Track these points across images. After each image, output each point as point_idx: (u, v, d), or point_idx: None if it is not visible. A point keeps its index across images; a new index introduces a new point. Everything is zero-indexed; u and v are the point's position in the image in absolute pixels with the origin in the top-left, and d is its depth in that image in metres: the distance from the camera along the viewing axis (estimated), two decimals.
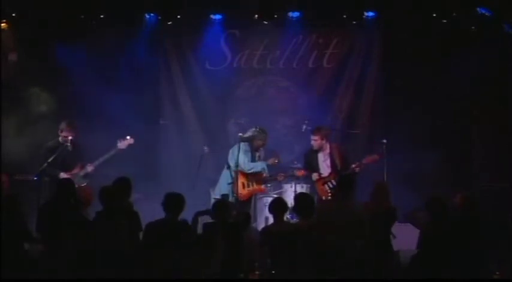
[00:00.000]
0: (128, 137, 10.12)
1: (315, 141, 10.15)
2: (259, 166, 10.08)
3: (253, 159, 10.10)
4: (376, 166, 10.22)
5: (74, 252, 7.24)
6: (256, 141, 10.06)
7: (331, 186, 9.95)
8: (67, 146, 9.91)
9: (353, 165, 9.97)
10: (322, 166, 10.20)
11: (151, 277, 7.04)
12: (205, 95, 12.07)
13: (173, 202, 7.31)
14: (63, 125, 9.99)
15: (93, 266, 7.13)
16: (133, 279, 7.09)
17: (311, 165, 10.24)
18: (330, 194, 9.86)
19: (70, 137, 9.94)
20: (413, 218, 8.19)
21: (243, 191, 9.89)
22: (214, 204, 7.76)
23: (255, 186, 10.01)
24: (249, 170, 10.00)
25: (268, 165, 10.17)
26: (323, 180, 10.08)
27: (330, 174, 10.09)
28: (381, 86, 11.76)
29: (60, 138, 9.94)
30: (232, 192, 9.77)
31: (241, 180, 9.92)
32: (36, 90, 11.21)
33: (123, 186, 7.81)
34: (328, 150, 10.24)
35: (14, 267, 7.25)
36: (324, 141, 10.19)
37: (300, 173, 10.32)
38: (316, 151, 10.25)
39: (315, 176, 10.12)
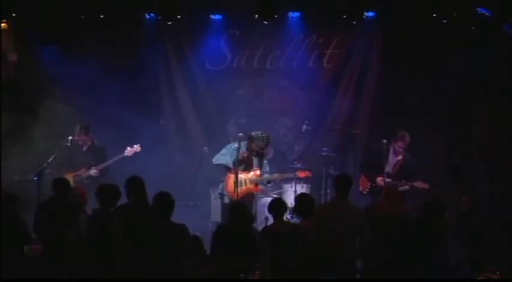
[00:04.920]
0: (136, 146, 10.23)
1: (399, 147, 10.15)
2: (223, 159, 10.02)
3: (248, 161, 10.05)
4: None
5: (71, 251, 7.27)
6: (253, 144, 10.00)
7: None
8: (80, 147, 10.38)
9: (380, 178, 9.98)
10: (388, 165, 10.13)
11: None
12: (205, 95, 12.07)
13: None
14: (76, 129, 10.37)
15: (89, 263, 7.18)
16: (132, 279, 7.08)
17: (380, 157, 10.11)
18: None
19: (81, 141, 10.38)
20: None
21: (233, 189, 9.86)
22: (229, 206, 7.83)
23: (248, 186, 9.96)
24: (214, 161, 10.04)
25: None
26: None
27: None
28: (381, 86, 11.76)
29: (72, 139, 10.11)
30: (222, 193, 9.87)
31: (233, 179, 9.90)
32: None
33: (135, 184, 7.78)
34: (399, 157, 10.22)
35: (13, 268, 7.26)
36: (402, 150, 10.20)
37: (302, 174, 10.28)
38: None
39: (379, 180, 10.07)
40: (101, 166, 10.25)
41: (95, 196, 7.59)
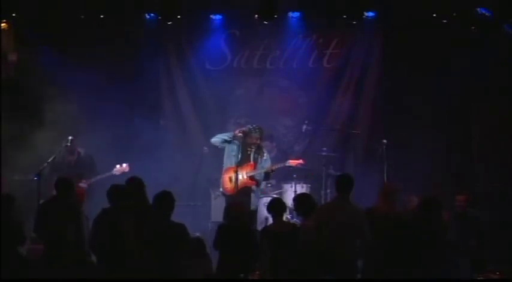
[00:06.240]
0: (124, 165, 10.16)
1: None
2: (223, 134, 9.99)
3: (243, 154, 9.98)
4: (376, 167, 10.22)
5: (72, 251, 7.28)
6: (248, 138, 9.95)
7: None
8: (69, 160, 10.21)
9: None
10: None
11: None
12: (205, 95, 12.08)
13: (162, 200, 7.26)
14: (67, 141, 10.15)
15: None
16: (133, 279, 7.08)
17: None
18: None
19: (69, 156, 10.22)
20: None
21: (229, 185, 9.86)
22: (228, 205, 7.85)
23: (242, 180, 9.92)
24: (214, 141, 9.97)
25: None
26: None
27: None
28: (381, 86, 11.76)
29: (71, 139, 10.07)
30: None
31: (228, 174, 9.89)
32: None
33: (135, 184, 7.79)
34: None
35: (12, 268, 7.26)
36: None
37: (294, 162, 10.08)
38: None
39: None
40: (89, 181, 10.10)
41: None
